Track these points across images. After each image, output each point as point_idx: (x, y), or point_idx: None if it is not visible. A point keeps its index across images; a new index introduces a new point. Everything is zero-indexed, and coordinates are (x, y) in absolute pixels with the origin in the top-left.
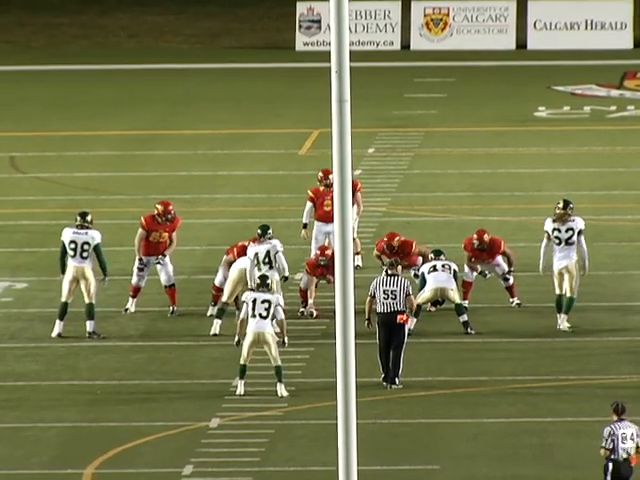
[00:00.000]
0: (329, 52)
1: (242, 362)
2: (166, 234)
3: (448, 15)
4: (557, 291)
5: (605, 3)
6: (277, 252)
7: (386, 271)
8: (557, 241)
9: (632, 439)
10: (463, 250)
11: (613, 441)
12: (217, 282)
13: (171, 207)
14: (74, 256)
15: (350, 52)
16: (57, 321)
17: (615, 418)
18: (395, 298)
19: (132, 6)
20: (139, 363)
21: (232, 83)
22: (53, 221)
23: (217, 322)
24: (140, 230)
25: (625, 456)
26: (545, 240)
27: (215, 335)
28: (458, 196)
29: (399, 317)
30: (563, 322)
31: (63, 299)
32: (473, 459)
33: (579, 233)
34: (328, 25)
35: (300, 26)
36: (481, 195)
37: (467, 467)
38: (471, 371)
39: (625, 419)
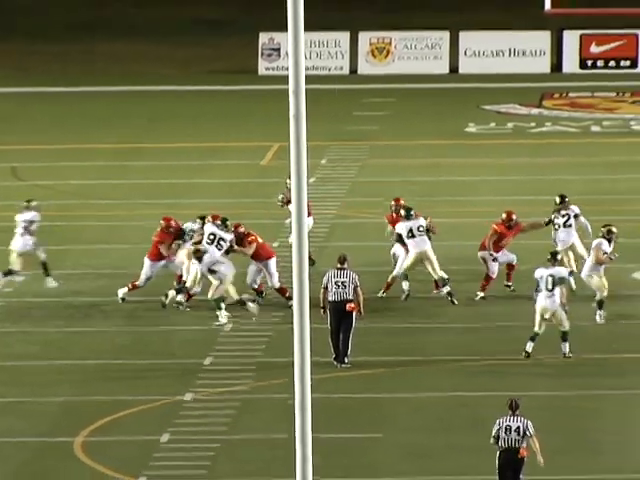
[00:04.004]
0: (287, 76)
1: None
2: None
3: (390, 44)
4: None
5: (526, 33)
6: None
7: (336, 266)
8: (557, 226)
9: (518, 432)
10: (491, 235)
11: (498, 431)
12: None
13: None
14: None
15: (305, 76)
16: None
17: (509, 412)
18: (345, 288)
19: (118, 36)
20: (123, 345)
21: (204, 103)
22: (49, 222)
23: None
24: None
25: (506, 446)
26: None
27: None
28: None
29: (348, 305)
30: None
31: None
32: (412, 429)
33: (575, 216)
34: (286, 52)
35: (262, 53)
36: (419, 200)
37: (407, 436)
38: (412, 351)
39: (518, 414)
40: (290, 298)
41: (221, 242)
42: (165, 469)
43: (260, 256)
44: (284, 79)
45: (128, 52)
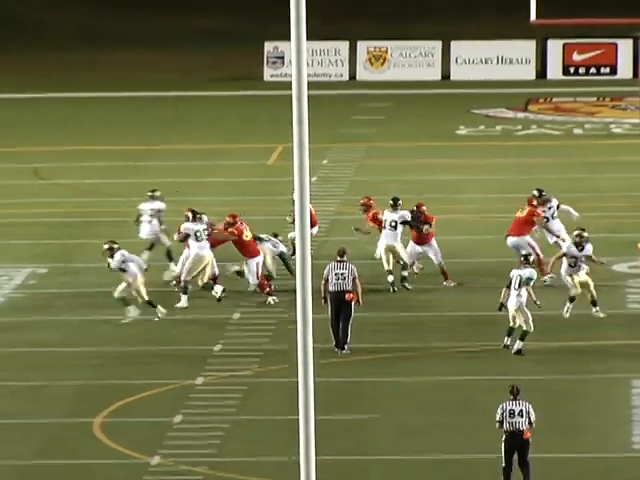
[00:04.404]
0: (291, 82)
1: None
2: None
3: (387, 52)
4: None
5: (513, 42)
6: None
7: (336, 259)
8: (545, 220)
9: (521, 415)
10: (533, 223)
11: (502, 415)
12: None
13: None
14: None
15: (307, 82)
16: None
17: (511, 397)
18: (345, 280)
19: (127, 46)
20: (139, 333)
21: (213, 107)
22: (68, 218)
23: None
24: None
25: (511, 429)
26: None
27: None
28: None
29: (347, 295)
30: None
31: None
32: (406, 410)
33: (557, 207)
34: (290, 60)
35: (267, 61)
36: (413, 198)
37: (401, 416)
38: (406, 339)
39: (519, 399)
40: (270, 294)
41: (202, 234)
42: (178, 448)
43: (247, 252)
44: (288, 85)
45: (146, 61)
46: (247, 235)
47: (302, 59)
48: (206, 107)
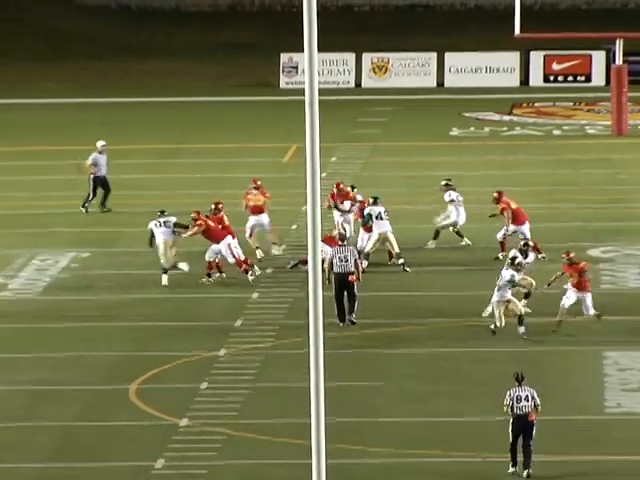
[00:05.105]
0: (304, 89)
1: None
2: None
3: (389, 63)
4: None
5: (499, 53)
6: None
7: (338, 243)
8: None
9: (527, 400)
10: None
11: (512, 400)
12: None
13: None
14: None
15: (318, 89)
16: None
17: (517, 384)
18: (347, 262)
19: (159, 56)
20: (169, 309)
21: (235, 111)
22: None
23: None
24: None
25: (519, 413)
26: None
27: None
28: (397, 191)
29: (350, 277)
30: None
31: None
32: (407, 378)
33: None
34: (303, 70)
35: (283, 70)
36: (413, 191)
37: (402, 384)
38: (407, 315)
39: (524, 385)
40: (246, 271)
41: (168, 223)
42: (203, 411)
43: (214, 239)
44: (301, 92)
45: (176, 69)
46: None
47: (314, 69)
48: (229, 110)
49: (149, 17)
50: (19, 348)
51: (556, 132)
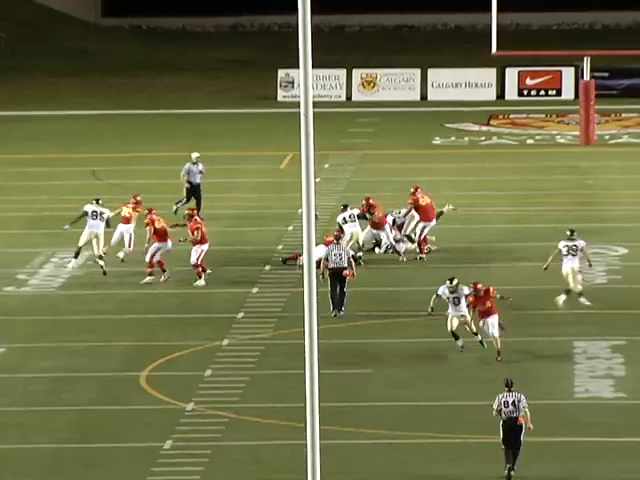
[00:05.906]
0: (299, 102)
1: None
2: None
3: (376, 78)
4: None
5: (478, 69)
6: None
7: (333, 242)
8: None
9: (514, 405)
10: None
11: (501, 405)
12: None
13: None
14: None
15: (312, 102)
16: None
17: (506, 389)
18: (341, 259)
19: (169, 72)
20: (176, 303)
21: (236, 122)
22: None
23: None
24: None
25: (507, 417)
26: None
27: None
28: (384, 196)
29: (344, 272)
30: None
31: None
32: (393, 365)
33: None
34: (299, 84)
35: (280, 85)
36: (399, 195)
37: (389, 371)
38: (393, 307)
39: (512, 390)
40: (151, 274)
41: (102, 215)
42: (208, 396)
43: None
44: (297, 104)
45: (184, 84)
46: (160, 224)
47: (308, 83)
48: (231, 121)
49: (159, 37)
50: (40, 338)
51: (529, 141)
